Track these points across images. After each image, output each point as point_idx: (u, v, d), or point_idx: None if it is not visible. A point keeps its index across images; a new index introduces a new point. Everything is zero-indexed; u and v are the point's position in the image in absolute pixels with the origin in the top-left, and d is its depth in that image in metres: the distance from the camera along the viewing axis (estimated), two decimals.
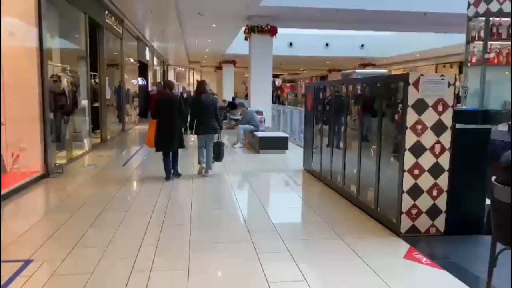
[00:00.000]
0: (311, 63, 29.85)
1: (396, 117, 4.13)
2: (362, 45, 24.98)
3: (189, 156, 8.43)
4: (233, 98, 18.08)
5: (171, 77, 31.49)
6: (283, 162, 8.64)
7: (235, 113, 15.22)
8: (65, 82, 7.64)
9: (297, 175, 7.25)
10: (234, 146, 9.98)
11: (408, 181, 3.96)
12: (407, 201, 3.99)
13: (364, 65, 27.73)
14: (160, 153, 6.56)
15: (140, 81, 19.31)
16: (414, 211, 4.00)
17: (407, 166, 3.95)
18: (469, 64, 6.74)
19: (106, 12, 10.69)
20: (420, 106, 3.88)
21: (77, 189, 6.24)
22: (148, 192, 5.92)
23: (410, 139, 3.92)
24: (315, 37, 23.71)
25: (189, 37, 17.21)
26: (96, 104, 10.94)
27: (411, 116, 3.89)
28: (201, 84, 6.94)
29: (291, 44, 23.36)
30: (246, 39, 13.26)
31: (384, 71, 6.08)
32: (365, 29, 15.57)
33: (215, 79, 31.49)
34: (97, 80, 11.00)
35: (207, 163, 6.81)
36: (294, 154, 9.10)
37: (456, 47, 20.70)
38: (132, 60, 16.44)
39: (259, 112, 10.75)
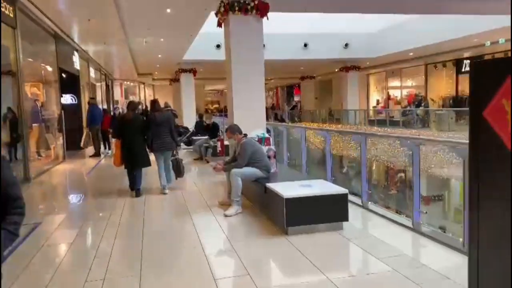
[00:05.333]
0: (284, 69, 25.47)
1: None
2: (346, 44, 21.01)
3: None
4: (201, 116, 13.17)
5: (117, 93, 26.13)
6: (356, 271, 3.67)
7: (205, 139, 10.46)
8: None
9: None
10: (226, 213, 5.01)
11: None
12: None
13: (346, 69, 23.64)
14: None
15: (70, 99, 14.06)
16: None
17: None
18: None
19: None
20: None
21: None
22: None
23: None
24: (291, 37, 19.71)
25: (133, 35, 12.22)
26: None
27: None
28: (154, 103, 7.08)
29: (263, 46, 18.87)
30: (219, 24, 8.57)
31: None
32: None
33: (171, 93, 26.23)
34: None
35: (168, 179, 6.74)
36: (369, 235, 4.30)
37: (461, 40, 16.94)
38: (49, 68, 11.23)
39: (264, 140, 5.80)
